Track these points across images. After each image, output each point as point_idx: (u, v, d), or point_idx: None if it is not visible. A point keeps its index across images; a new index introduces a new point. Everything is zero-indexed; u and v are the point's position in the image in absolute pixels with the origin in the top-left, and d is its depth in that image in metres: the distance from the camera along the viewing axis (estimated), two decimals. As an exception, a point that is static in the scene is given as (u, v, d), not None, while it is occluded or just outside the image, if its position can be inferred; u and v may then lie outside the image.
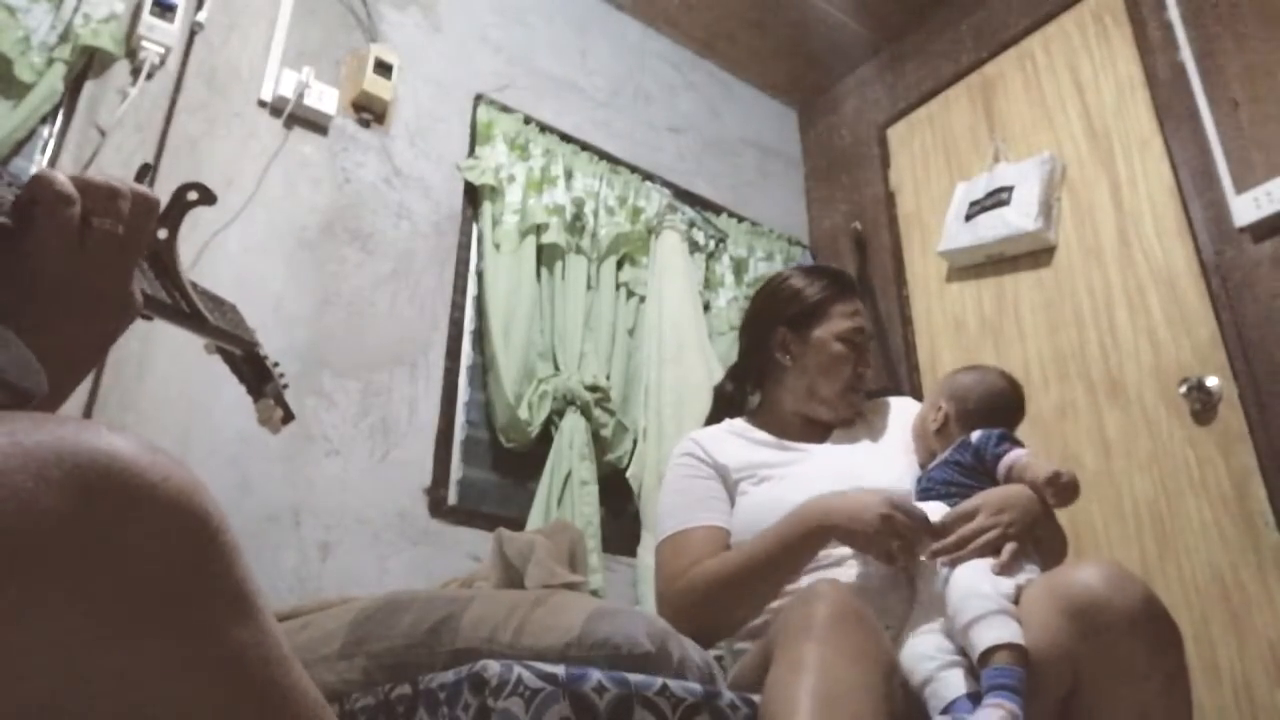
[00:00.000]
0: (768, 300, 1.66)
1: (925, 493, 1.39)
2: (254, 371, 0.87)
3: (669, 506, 1.51)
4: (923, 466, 1.48)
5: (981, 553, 1.22)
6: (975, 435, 1.40)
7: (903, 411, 1.64)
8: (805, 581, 1.34)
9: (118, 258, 0.59)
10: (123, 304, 0.60)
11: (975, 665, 1.11)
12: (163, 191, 0.68)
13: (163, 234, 0.71)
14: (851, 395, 1.57)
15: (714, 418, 1.68)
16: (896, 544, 1.25)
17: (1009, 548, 1.22)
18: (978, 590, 1.16)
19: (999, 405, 1.47)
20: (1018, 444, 1.39)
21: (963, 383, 1.50)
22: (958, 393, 1.48)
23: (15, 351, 0.53)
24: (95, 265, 0.57)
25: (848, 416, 1.59)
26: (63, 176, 0.57)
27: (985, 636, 1.10)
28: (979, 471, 1.38)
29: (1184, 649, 1.12)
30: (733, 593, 1.36)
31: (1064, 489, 1.31)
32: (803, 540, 1.33)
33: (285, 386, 0.90)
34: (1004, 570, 1.20)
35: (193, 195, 0.72)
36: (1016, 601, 1.16)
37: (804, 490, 1.38)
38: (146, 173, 0.73)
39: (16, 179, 0.58)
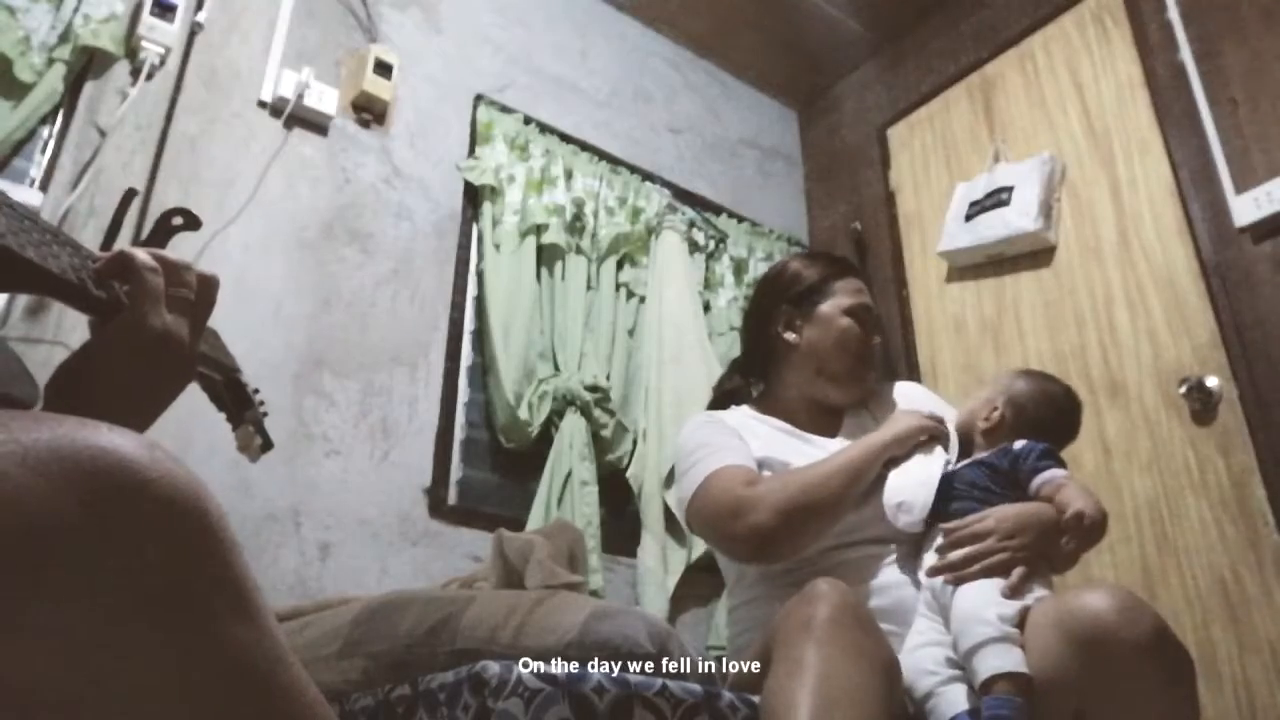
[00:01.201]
0: (769, 285, 1.64)
1: (947, 488, 1.35)
2: (234, 398, 0.86)
3: (699, 455, 1.44)
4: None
5: (988, 573, 1.20)
6: (1019, 444, 1.35)
7: (908, 397, 1.60)
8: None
9: (190, 320, 0.69)
10: (191, 360, 0.71)
11: (977, 690, 1.10)
12: (161, 195, 0.70)
13: None
14: (861, 372, 1.54)
15: (714, 410, 1.64)
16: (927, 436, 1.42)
17: (1018, 571, 1.20)
18: (981, 616, 1.13)
19: (1057, 421, 1.42)
20: (1059, 463, 1.33)
21: (1025, 389, 1.44)
22: (1019, 399, 1.42)
23: (3, 360, 0.53)
24: (175, 327, 0.67)
25: (857, 398, 1.55)
26: (143, 253, 0.67)
27: (987, 665, 1.09)
28: (1009, 480, 1.33)
29: (1195, 678, 1.08)
30: (816, 501, 1.32)
31: (1086, 532, 1.25)
32: (867, 462, 1.36)
33: (265, 415, 0.89)
34: (1012, 593, 1.17)
35: (178, 220, 0.74)
36: (1022, 624, 1.14)
37: None
38: (133, 197, 0.75)
39: (90, 252, 0.66)
